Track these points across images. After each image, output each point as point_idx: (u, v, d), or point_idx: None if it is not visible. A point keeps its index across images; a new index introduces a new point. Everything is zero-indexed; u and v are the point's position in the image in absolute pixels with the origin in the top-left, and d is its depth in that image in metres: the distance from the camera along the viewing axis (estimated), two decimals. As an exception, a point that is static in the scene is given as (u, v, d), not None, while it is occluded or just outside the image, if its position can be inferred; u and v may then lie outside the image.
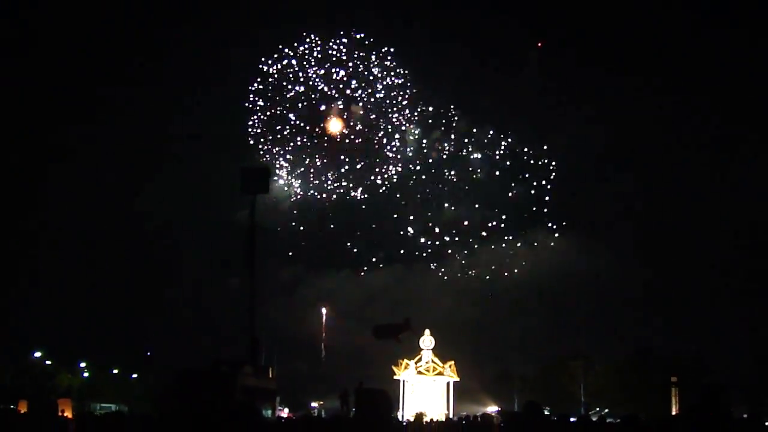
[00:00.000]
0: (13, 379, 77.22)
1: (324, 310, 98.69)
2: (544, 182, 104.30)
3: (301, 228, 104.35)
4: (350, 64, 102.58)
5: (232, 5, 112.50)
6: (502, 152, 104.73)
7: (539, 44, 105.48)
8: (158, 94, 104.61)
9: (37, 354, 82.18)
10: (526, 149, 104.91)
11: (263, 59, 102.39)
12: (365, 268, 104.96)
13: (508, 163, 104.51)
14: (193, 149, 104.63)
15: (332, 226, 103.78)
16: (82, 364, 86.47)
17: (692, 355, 78.92)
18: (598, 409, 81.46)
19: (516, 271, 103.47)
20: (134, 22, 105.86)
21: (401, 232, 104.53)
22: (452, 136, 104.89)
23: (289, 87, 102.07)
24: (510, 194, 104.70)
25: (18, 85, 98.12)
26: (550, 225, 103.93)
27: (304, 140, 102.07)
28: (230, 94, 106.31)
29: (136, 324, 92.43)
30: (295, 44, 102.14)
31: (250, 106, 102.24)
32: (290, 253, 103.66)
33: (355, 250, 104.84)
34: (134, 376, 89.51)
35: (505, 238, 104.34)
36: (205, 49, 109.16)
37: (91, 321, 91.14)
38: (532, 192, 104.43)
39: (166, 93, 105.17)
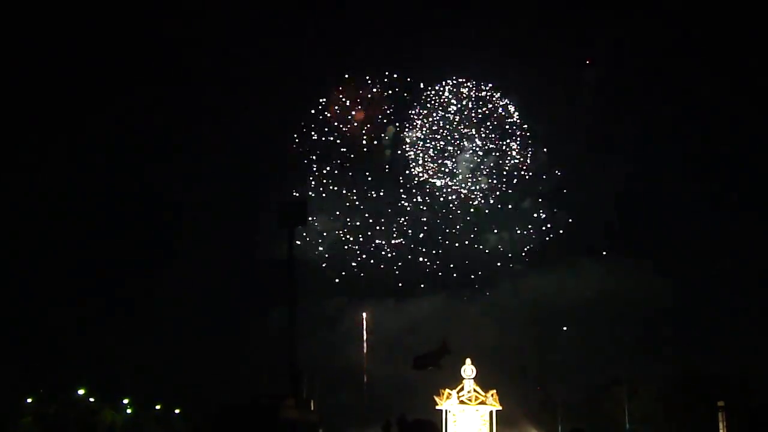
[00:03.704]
0: (56, 416, 77.86)
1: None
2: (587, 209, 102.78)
3: (343, 259, 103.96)
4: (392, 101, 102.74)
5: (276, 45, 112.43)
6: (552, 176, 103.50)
7: (587, 61, 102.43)
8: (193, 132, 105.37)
9: (81, 391, 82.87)
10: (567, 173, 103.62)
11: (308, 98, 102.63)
12: (407, 298, 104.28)
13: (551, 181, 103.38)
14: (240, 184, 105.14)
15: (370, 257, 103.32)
16: (125, 401, 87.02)
17: (738, 376, 77.38)
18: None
19: (559, 298, 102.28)
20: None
21: (444, 260, 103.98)
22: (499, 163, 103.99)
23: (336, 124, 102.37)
24: (552, 220, 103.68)
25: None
26: (593, 251, 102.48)
27: (349, 174, 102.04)
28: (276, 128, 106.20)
29: (179, 359, 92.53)
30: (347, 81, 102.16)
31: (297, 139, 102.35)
32: (332, 285, 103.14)
33: (397, 280, 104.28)
34: (177, 411, 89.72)
35: (549, 264, 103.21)
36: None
37: (132, 357, 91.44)
38: (572, 220, 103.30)
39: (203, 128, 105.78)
